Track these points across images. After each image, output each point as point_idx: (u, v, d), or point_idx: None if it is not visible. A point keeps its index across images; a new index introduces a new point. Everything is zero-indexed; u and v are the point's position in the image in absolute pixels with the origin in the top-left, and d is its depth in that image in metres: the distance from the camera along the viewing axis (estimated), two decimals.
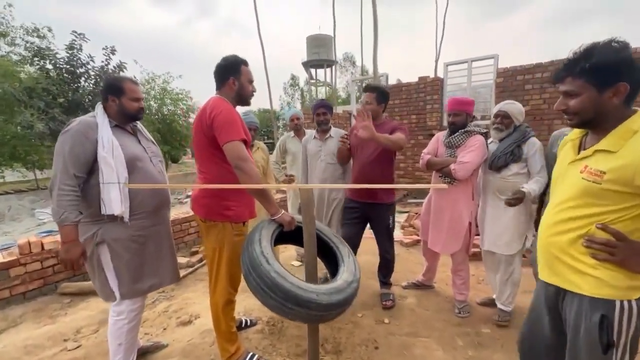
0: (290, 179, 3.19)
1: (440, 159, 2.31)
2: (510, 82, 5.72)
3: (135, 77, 10.99)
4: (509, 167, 2.08)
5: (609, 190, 0.96)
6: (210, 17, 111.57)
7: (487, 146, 2.21)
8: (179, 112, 15.20)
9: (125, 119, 1.69)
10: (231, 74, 1.72)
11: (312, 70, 31.13)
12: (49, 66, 8.70)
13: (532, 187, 1.95)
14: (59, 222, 1.46)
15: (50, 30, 9.94)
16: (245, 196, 1.77)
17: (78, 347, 2.14)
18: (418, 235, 4.08)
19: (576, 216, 1.03)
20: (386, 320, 2.34)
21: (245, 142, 1.63)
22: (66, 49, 8.77)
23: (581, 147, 1.10)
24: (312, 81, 27.48)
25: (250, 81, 1.77)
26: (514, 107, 2.10)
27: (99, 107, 1.64)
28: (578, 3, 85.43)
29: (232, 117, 1.61)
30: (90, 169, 1.54)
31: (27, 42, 9.49)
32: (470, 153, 2.14)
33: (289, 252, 3.76)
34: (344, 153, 2.54)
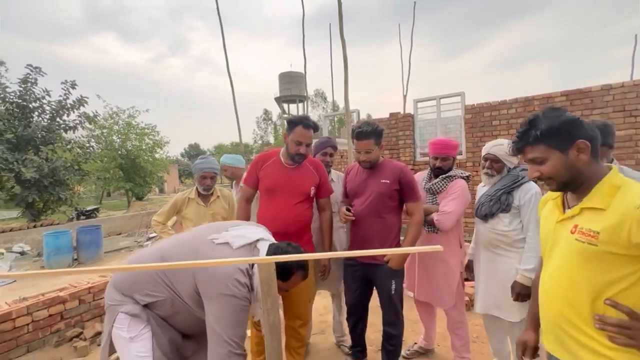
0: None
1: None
2: (478, 118, 5.92)
3: (97, 113, 10.39)
4: (497, 216, 1.77)
5: (608, 253, 0.88)
6: (181, 55, 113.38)
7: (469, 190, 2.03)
8: (144, 147, 14.53)
9: None
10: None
11: (285, 105, 31.88)
12: None
13: (527, 269, 1.65)
14: None
15: (2, 63, 9.32)
16: None
17: None
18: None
19: (580, 286, 0.93)
20: None
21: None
22: (19, 82, 8.18)
23: (564, 205, 1.04)
24: (285, 115, 28.04)
25: (298, 142, 1.93)
26: (503, 149, 1.79)
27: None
28: (519, 50, 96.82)
29: None
30: None
31: None
32: (453, 201, 1.96)
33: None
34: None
